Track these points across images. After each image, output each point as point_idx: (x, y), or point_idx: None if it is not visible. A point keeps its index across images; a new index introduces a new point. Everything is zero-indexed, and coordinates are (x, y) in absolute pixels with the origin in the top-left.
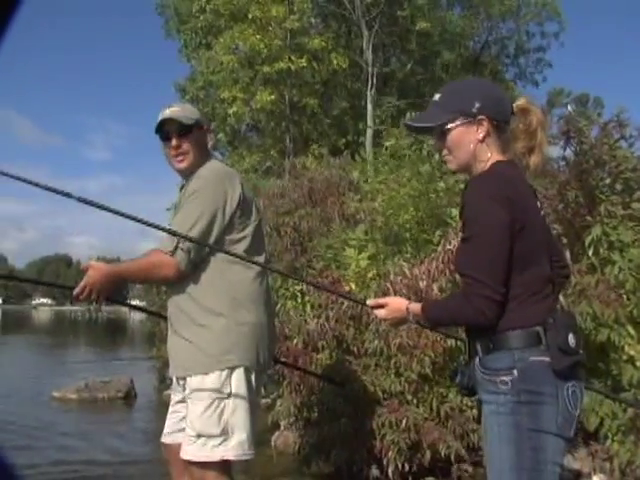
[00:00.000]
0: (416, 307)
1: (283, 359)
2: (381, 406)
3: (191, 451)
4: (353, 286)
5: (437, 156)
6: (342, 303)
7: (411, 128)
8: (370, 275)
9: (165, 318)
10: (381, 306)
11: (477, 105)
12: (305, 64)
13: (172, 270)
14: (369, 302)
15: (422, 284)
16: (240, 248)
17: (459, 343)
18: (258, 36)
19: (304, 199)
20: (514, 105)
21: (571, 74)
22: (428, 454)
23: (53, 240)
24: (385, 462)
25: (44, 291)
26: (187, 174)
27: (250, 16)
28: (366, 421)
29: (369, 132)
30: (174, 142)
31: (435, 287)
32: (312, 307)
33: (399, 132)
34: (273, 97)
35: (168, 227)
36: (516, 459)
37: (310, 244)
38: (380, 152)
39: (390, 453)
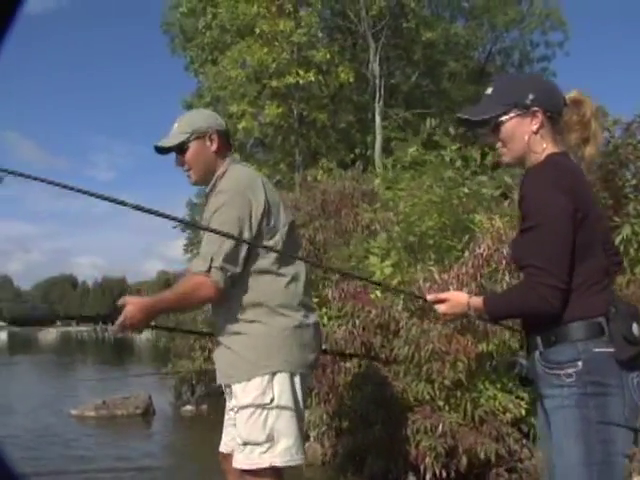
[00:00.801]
0: (477, 301)
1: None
2: (413, 412)
3: (240, 459)
4: (379, 294)
5: (459, 162)
6: (369, 311)
7: (464, 122)
8: (394, 282)
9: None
10: (441, 301)
11: (531, 97)
12: (312, 78)
13: (211, 290)
14: (429, 297)
15: (452, 289)
16: (272, 257)
17: (490, 347)
18: (265, 50)
19: (318, 211)
20: (566, 97)
21: (576, 83)
22: (464, 459)
23: (58, 261)
24: (422, 469)
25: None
26: (203, 184)
27: (257, 31)
28: (400, 428)
29: (378, 144)
30: (176, 162)
31: (465, 292)
32: (329, 319)
33: (409, 143)
34: (281, 110)
35: (217, 229)
36: (585, 453)
37: (325, 256)
38: (390, 163)
39: (427, 459)
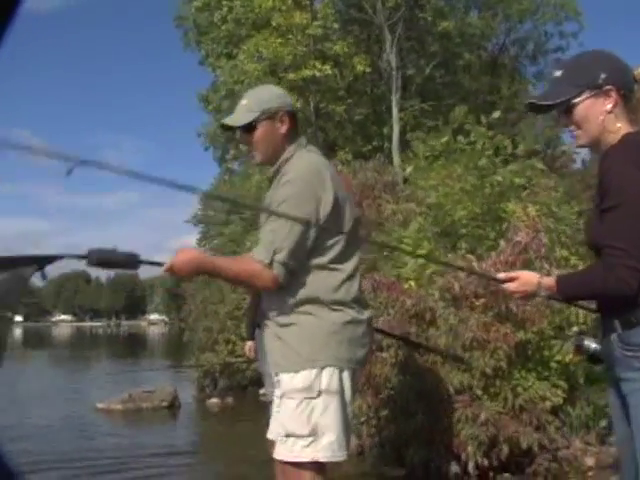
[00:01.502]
0: (549, 280)
1: None
2: (453, 402)
3: (281, 451)
4: (412, 284)
5: (490, 150)
6: (404, 301)
7: (535, 107)
8: (428, 272)
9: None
10: (511, 280)
11: (603, 76)
12: (329, 70)
13: (269, 283)
14: (500, 275)
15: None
16: (333, 252)
17: (530, 335)
18: (281, 43)
19: None
20: (635, 73)
21: None
22: (505, 448)
23: None
24: (464, 458)
25: (64, 308)
26: (269, 164)
27: (273, 24)
28: (441, 417)
29: (395, 135)
30: (241, 141)
31: None
32: None
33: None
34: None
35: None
36: None
37: None
38: (422, 152)
39: (469, 448)
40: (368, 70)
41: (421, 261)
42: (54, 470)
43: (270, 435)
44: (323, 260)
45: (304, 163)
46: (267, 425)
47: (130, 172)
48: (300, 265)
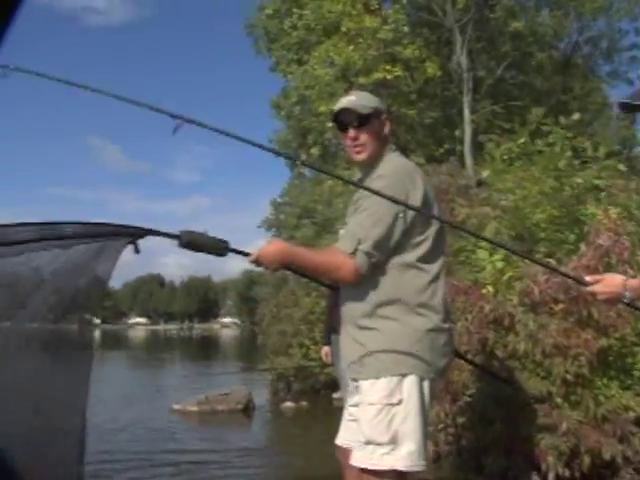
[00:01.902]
0: (635, 282)
1: None
2: (533, 410)
3: (360, 457)
4: (490, 289)
5: (569, 152)
6: (482, 306)
7: (628, 107)
8: (506, 277)
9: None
10: (596, 282)
11: None
12: (400, 74)
13: (350, 273)
14: (587, 278)
15: (571, 281)
16: (420, 252)
17: (612, 341)
18: (352, 48)
19: None
20: None
21: None
22: (587, 459)
23: (145, 261)
24: (544, 468)
25: (139, 311)
26: (365, 166)
27: (343, 29)
28: (520, 426)
29: (468, 138)
30: (351, 133)
31: None
32: None
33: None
34: None
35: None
36: None
37: None
38: (499, 154)
39: (549, 458)
40: (439, 73)
41: (499, 266)
42: (133, 470)
43: (338, 441)
44: (409, 258)
45: (396, 161)
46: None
47: (232, 134)
48: (384, 260)
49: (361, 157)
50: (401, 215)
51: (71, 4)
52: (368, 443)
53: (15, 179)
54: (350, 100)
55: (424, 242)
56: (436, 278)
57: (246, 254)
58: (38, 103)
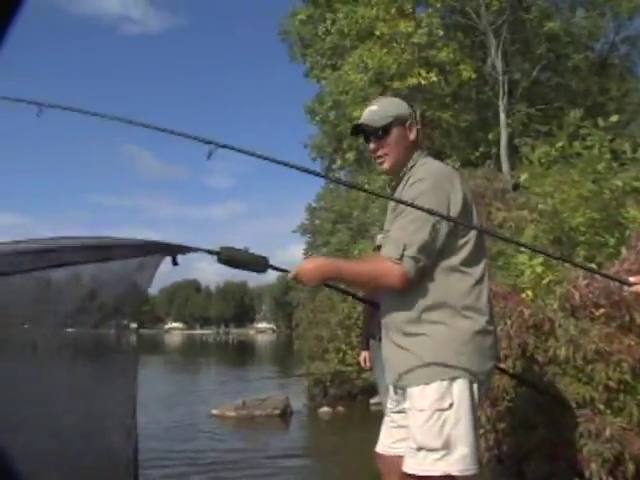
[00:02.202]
0: None
1: None
2: (575, 416)
3: (412, 464)
4: (530, 293)
5: (608, 155)
6: (522, 311)
7: None
8: (545, 281)
9: None
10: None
11: None
12: (434, 78)
13: (399, 279)
14: (631, 279)
15: (613, 285)
16: (463, 254)
17: None
18: (386, 52)
19: None
20: None
21: None
22: (631, 466)
23: (181, 266)
24: (587, 475)
25: (175, 315)
26: (396, 172)
27: (377, 33)
28: (563, 431)
29: (504, 141)
30: (371, 146)
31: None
32: None
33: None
34: None
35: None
36: None
37: None
38: (536, 158)
39: (593, 465)
40: (473, 76)
41: (539, 269)
42: (170, 467)
43: (379, 448)
44: (453, 261)
45: (432, 165)
46: (378, 433)
47: (263, 156)
48: (431, 264)
49: (384, 167)
50: (443, 220)
51: (108, 15)
52: (419, 449)
53: (59, 185)
54: (370, 111)
55: (466, 244)
56: (480, 280)
57: (285, 271)
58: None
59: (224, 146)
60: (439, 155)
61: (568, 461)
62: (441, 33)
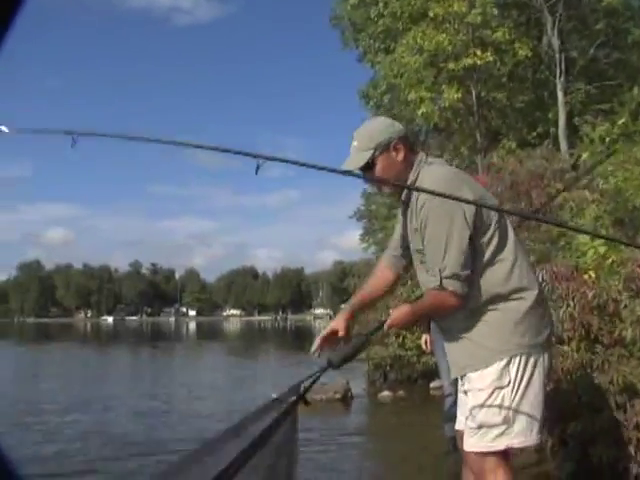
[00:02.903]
0: None
1: None
2: None
3: (472, 442)
4: (592, 274)
5: None
6: (585, 292)
7: None
8: (608, 262)
9: None
10: None
11: None
12: (490, 58)
13: (453, 300)
14: None
15: None
16: (492, 247)
17: None
18: (443, 35)
19: (507, 193)
20: None
21: None
22: None
23: (238, 254)
24: None
25: (233, 302)
26: (397, 194)
27: (430, 14)
28: (630, 414)
29: (562, 120)
30: (366, 180)
31: None
32: None
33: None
34: (459, 94)
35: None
36: None
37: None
38: (597, 136)
39: None
40: (530, 55)
41: (602, 250)
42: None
43: (458, 426)
44: (486, 258)
45: (433, 179)
46: (439, 417)
47: (315, 165)
48: (470, 270)
49: (385, 193)
50: (463, 227)
51: (160, 6)
52: (480, 427)
53: (117, 176)
54: (352, 150)
55: (492, 237)
56: (515, 259)
57: (381, 327)
58: (128, 102)
59: (272, 159)
60: (495, 136)
61: (636, 446)
62: (495, 12)
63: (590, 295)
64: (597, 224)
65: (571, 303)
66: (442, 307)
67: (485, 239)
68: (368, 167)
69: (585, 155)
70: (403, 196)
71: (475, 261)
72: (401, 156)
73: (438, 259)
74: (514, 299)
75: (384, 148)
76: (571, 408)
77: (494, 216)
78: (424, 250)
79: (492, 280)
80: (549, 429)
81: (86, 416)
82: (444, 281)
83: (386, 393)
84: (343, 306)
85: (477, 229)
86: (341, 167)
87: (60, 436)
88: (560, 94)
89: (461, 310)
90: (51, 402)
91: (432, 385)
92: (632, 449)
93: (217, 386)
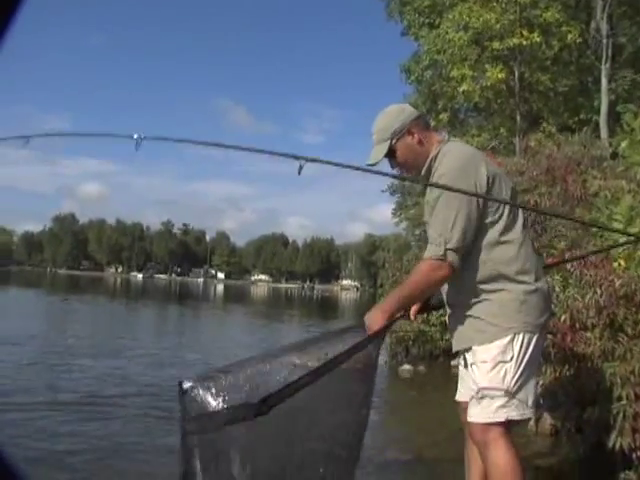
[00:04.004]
0: None
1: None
2: None
3: (475, 413)
4: (622, 263)
5: None
6: (612, 281)
7: None
8: (639, 252)
9: None
10: None
11: None
12: (537, 39)
13: (446, 271)
14: None
15: None
16: (500, 226)
17: None
18: (491, 13)
19: (543, 177)
20: None
21: None
22: None
23: (268, 220)
24: None
25: (262, 268)
26: (419, 174)
27: None
28: None
29: (604, 107)
30: (392, 166)
31: None
32: (565, 287)
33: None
34: (503, 75)
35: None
36: None
37: (550, 224)
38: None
39: None
40: (579, 40)
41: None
42: None
43: (458, 397)
44: (493, 236)
45: (452, 154)
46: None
47: (351, 166)
48: (472, 246)
49: (409, 174)
50: (473, 204)
51: None
52: (482, 398)
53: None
54: (371, 156)
55: (501, 217)
56: (523, 242)
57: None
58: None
59: (313, 160)
60: (536, 119)
61: None
62: None
63: (618, 284)
64: (633, 213)
65: (598, 290)
66: (434, 277)
67: (495, 217)
68: (391, 155)
69: (624, 144)
70: (423, 171)
71: (481, 239)
72: (417, 138)
73: (446, 229)
74: (520, 280)
75: (400, 135)
76: (589, 395)
77: (506, 196)
78: (430, 223)
79: (500, 259)
80: (566, 413)
81: (107, 362)
82: (448, 252)
83: (407, 367)
84: None
85: (486, 208)
86: (367, 162)
87: (79, 375)
88: (604, 80)
89: (465, 286)
90: (74, 347)
91: (453, 363)
92: None
93: (242, 347)
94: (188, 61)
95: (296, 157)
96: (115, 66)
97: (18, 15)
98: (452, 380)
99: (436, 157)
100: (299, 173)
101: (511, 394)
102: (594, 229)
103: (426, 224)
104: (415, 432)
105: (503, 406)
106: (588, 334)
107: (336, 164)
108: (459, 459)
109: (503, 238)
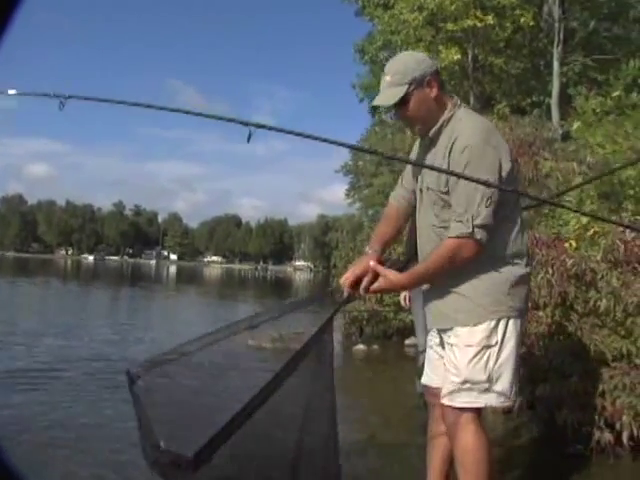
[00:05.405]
0: None
1: None
2: (611, 368)
3: (453, 397)
4: (573, 243)
5: None
6: (564, 260)
7: None
8: (590, 233)
9: None
10: None
11: None
12: (492, 21)
13: (474, 249)
14: None
15: None
16: (508, 206)
17: None
18: None
19: None
20: None
21: None
22: None
23: (221, 201)
24: (618, 427)
25: (215, 249)
26: (425, 134)
27: None
28: (597, 382)
29: (555, 90)
30: (397, 116)
31: None
32: None
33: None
34: (458, 56)
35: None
36: None
37: None
38: (591, 108)
39: (624, 417)
40: (532, 23)
41: (584, 220)
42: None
43: (425, 380)
44: (501, 214)
45: (474, 124)
46: (412, 373)
47: (305, 134)
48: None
49: (417, 132)
50: (498, 177)
51: None
52: (464, 383)
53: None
54: (383, 85)
55: (511, 197)
56: (522, 226)
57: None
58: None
59: (261, 126)
60: (489, 100)
61: (600, 412)
62: None
63: (569, 263)
64: (583, 195)
65: (550, 270)
66: (460, 256)
67: (506, 196)
68: (402, 103)
69: (576, 124)
70: (431, 133)
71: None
72: (434, 92)
73: (472, 205)
74: (514, 263)
75: (418, 83)
76: (541, 372)
77: (513, 179)
78: (452, 192)
79: (498, 238)
80: (519, 390)
81: (57, 340)
82: (475, 229)
83: (360, 347)
84: (367, 249)
85: (507, 182)
86: (375, 103)
87: (30, 353)
88: (556, 64)
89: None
90: (25, 327)
91: (407, 342)
92: (596, 415)
93: (193, 327)
94: (138, 42)
95: (245, 123)
96: (64, 47)
97: (18, 15)
98: (406, 359)
99: (448, 120)
100: (248, 141)
101: (493, 380)
102: (545, 210)
103: (439, 192)
104: (369, 412)
105: (484, 392)
106: (540, 313)
107: (289, 132)
108: (411, 440)
109: (508, 217)
